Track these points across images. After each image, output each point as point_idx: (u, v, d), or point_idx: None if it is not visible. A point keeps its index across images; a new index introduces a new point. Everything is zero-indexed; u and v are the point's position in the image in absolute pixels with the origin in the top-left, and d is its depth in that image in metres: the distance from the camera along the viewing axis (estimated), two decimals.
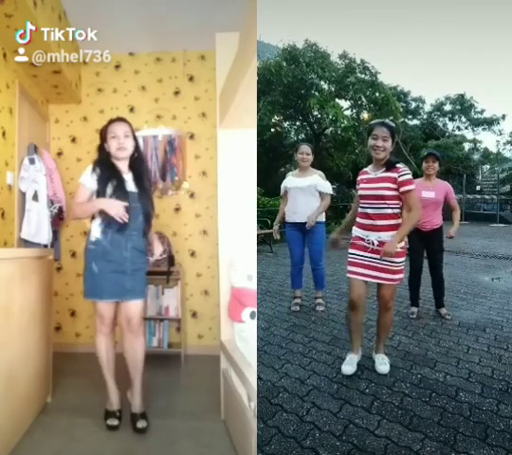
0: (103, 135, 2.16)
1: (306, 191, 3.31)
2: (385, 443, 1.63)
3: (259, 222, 7.34)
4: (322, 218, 3.41)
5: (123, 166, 2.17)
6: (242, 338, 2.11)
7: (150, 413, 2.23)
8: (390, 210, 2.11)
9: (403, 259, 2.16)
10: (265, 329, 2.95)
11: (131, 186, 2.14)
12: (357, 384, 2.11)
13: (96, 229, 2.11)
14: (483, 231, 10.88)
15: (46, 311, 2.39)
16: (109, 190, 2.08)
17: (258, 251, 6.13)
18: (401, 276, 2.19)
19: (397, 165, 2.12)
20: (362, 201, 2.20)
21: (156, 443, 2.03)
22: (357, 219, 2.24)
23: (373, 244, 2.12)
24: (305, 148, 3.39)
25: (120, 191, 2.08)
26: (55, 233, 3.38)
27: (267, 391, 2.04)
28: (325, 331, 2.89)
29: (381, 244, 2.10)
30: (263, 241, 7.05)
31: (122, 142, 2.12)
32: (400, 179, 2.07)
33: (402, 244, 2.11)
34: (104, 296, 2.10)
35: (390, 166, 2.12)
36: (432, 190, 3.12)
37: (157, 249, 2.31)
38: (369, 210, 2.15)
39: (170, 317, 3.47)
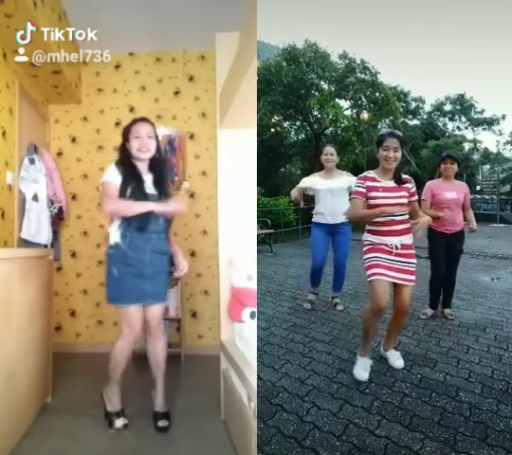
0: (126, 134, 2.12)
1: (337, 193, 3.26)
2: (385, 443, 1.63)
3: (259, 222, 7.34)
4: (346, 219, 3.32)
5: (143, 167, 2.14)
6: (242, 338, 2.11)
7: (150, 413, 2.22)
8: (406, 216, 2.25)
9: (415, 260, 2.25)
10: (265, 329, 2.95)
11: (150, 187, 2.10)
12: (357, 384, 2.11)
13: (115, 233, 2.06)
14: (483, 231, 10.83)
15: (46, 311, 2.39)
16: (128, 191, 2.04)
17: (258, 251, 6.13)
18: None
19: (405, 176, 2.27)
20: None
21: (156, 443, 2.04)
22: (373, 227, 2.23)
23: (396, 247, 2.18)
24: (330, 149, 3.30)
25: (139, 193, 2.05)
26: (55, 233, 3.38)
27: (267, 391, 2.04)
28: (325, 331, 2.89)
29: (404, 246, 2.19)
30: (263, 241, 7.05)
31: (145, 143, 2.09)
32: (413, 190, 2.26)
33: (411, 241, 2.24)
34: (126, 300, 2.07)
35: (400, 177, 2.24)
36: (453, 190, 3.14)
37: (183, 264, 2.26)
38: (388, 217, 2.18)
39: (170, 317, 3.47)
